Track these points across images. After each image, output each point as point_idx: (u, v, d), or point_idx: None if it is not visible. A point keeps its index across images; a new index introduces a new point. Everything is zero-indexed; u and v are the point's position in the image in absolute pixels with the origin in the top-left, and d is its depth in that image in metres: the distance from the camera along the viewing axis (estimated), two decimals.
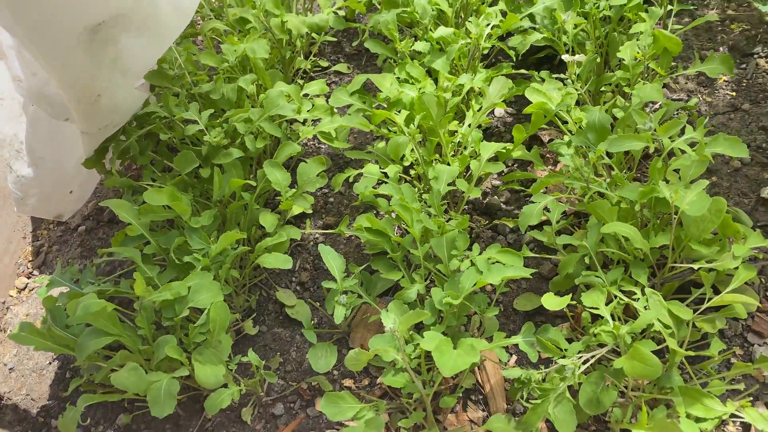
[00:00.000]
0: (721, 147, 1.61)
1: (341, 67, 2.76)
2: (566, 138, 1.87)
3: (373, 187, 1.92)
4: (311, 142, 2.53)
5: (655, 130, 1.59)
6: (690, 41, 2.51)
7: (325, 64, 2.85)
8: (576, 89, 1.89)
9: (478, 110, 2.04)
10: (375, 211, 2.20)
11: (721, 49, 2.44)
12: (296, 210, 2.05)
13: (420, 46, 2.20)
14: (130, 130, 2.08)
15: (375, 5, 2.55)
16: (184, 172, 1.99)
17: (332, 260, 1.75)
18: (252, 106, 2.22)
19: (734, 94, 2.28)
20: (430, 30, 2.24)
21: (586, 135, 1.78)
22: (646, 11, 2.03)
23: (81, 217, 2.46)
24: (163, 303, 1.70)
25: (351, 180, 2.11)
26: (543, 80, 2.02)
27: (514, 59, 2.25)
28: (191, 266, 1.82)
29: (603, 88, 2.15)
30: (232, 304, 1.99)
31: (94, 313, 1.61)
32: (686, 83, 2.35)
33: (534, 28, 2.22)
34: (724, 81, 2.33)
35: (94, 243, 2.37)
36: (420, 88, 2.10)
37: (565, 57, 1.86)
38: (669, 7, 2.18)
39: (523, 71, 2.15)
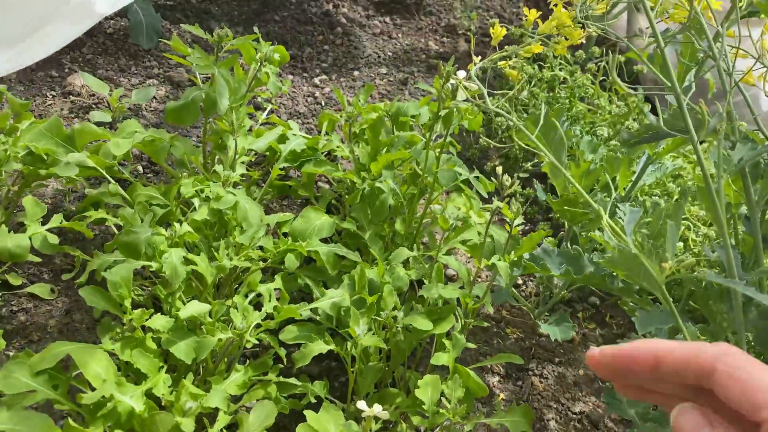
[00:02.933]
0: None
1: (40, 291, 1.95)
2: None
3: None
4: None
5: None
6: (468, 339, 2.29)
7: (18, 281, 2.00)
8: None
9: None
10: None
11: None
12: None
13: (159, 322, 1.55)
14: None
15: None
16: None
17: None
18: None
19: None
20: (180, 300, 1.63)
21: None
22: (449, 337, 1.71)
23: None
24: None
25: None
26: (320, 402, 1.51)
27: (285, 361, 1.72)
28: None
29: None
30: None
31: None
32: None
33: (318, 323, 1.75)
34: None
35: None
36: (148, 389, 1.43)
37: (361, 404, 1.39)
38: None
39: (293, 380, 1.61)
